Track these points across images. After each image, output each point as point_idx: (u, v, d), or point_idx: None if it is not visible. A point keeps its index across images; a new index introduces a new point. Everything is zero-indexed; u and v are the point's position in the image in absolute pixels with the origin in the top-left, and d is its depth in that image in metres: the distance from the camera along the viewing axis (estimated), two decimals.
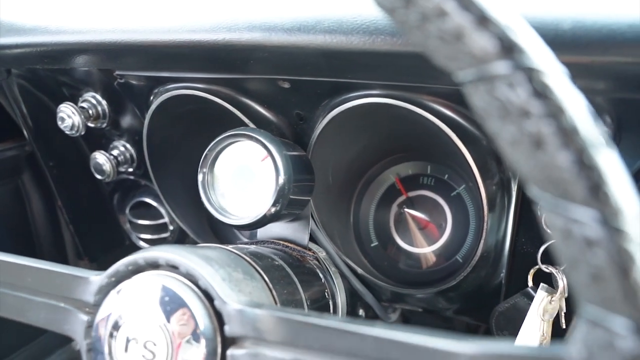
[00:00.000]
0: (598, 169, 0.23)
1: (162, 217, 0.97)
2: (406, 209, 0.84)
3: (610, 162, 0.24)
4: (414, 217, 0.85)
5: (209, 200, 0.63)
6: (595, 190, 0.23)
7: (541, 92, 0.24)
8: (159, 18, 0.66)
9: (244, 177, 0.63)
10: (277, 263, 0.60)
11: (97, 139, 0.89)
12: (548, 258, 0.70)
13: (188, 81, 0.73)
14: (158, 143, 0.79)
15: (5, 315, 0.50)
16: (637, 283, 0.23)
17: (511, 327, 0.73)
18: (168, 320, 0.47)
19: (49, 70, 0.80)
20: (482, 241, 0.69)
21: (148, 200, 0.97)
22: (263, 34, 0.59)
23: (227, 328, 0.45)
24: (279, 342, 0.43)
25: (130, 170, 0.90)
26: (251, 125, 0.70)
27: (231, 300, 0.46)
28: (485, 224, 0.68)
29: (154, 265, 0.50)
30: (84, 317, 0.50)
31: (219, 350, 0.46)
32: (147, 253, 0.50)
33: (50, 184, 0.92)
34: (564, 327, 0.73)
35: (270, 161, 0.60)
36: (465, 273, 0.73)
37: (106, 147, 0.89)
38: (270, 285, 0.54)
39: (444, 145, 0.67)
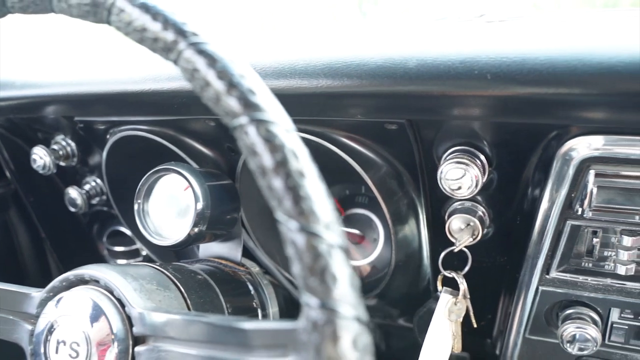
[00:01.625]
0: (300, 191, 0.34)
1: (135, 243, 1.09)
2: (350, 230, 0.94)
3: (311, 186, 0.34)
4: (349, 234, 0.94)
5: (143, 225, 0.75)
6: (297, 206, 0.34)
7: (267, 137, 0.35)
8: (109, 72, 0.79)
9: (172, 204, 0.74)
10: (200, 277, 0.71)
11: (70, 175, 1.02)
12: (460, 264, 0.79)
13: (137, 124, 0.86)
14: (115, 177, 0.92)
15: None
16: (324, 274, 0.33)
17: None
18: (90, 325, 0.58)
19: (22, 119, 0.94)
20: (393, 252, 0.79)
21: (122, 229, 1.09)
22: (179, 82, 0.71)
23: (134, 329, 0.56)
24: (172, 337, 0.53)
25: (102, 202, 1.03)
26: (188, 159, 0.82)
27: (138, 306, 0.57)
28: (392, 237, 0.77)
29: (82, 281, 0.61)
30: (28, 327, 0.62)
31: (130, 348, 0.56)
32: (77, 271, 0.62)
33: (33, 217, 1.05)
34: (475, 326, 0.82)
35: (190, 190, 0.71)
36: (386, 281, 0.82)
37: (79, 183, 1.02)
38: (186, 295, 0.65)
39: (355, 171, 0.77)
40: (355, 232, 0.94)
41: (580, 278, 0.75)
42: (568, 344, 0.77)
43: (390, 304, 0.90)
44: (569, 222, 0.69)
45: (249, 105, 0.35)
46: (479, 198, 0.76)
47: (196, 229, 0.71)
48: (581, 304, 0.78)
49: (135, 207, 0.76)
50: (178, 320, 0.52)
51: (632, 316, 0.77)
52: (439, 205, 0.79)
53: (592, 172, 0.62)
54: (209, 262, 0.80)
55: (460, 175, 0.68)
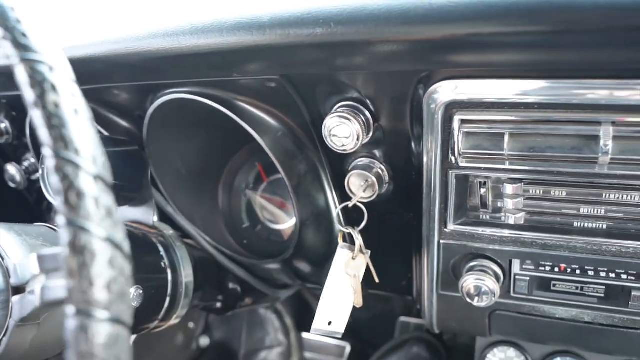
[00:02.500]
0: (53, 120, 0.37)
1: None
2: (261, 194, 0.97)
3: (65, 116, 0.37)
4: (271, 200, 0.97)
5: (47, 190, 0.79)
6: (50, 134, 0.36)
7: (31, 74, 0.38)
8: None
9: None
10: None
11: (9, 153, 1.06)
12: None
13: None
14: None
15: None
16: (68, 192, 0.36)
17: None
18: None
19: None
20: (295, 212, 0.81)
21: None
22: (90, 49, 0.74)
23: (11, 280, 0.60)
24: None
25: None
26: (100, 129, 0.85)
27: (15, 259, 0.61)
28: (292, 197, 0.80)
29: None
30: None
31: (9, 298, 0.60)
32: None
33: None
34: (377, 281, 0.84)
35: None
36: (295, 241, 0.85)
37: (19, 160, 1.07)
38: None
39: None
40: (277, 198, 0.97)
41: (479, 230, 0.77)
42: (468, 297, 0.79)
43: (308, 263, 0.92)
44: (452, 172, 0.71)
45: (19, 47, 0.38)
46: (377, 154, 0.78)
47: None
48: (484, 257, 0.80)
49: (40, 172, 0.80)
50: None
51: (532, 267, 0.79)
52: (340, 163, 0.81)
53: (457, 119, 0.64)
54: None
55: (340, 129, 0.70)
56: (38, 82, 0.37)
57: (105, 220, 0.36)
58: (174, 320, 0.86)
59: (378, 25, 0.56)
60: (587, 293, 0.79)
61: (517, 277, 0.80)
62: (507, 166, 0.66)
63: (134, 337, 0.85)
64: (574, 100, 0.59)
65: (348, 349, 1.43)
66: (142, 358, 1.43)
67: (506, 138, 0.63)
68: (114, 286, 0.36)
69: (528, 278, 0.80)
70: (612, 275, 0.75)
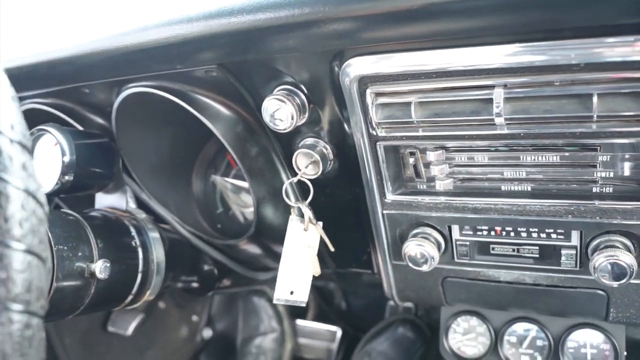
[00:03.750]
0: None
1: None
2: (229, 179, 1.07)
3: None
4: (240, 186, 1.07)
5: None
6: None
7: None
8: None
9: (50, 159, 0.89)
10: (71, 217, 0.85)
11: None
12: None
13: (36, 97, 1.01)
14: None
15: None
16: None
17: None
18: None
19: None
20: (252, 193, 0.91)
21: None
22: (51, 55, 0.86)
23: None
24: None
25: None
26: (74, 123, 0.97)
27: None
28: (246, 176, 0.89)
29: None
30: None
31: None
32: None
33: None
34: (333, 250, 0.93)
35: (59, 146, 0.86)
36: (256, 218, 0.94)
37: None
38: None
39: None
40: (238, 183, 1.06)
41: (418, 198, 0.85)
42: (411, 262, 0.87)
43: (273, 239, 1.01)
44: (380, 145, 0.79)
45: None
46: (320, 134, 0.87)
47: (65, 177, 0.86)
48: (426, 225, 0.88)
49: None
50: None
51: (471, 232, 0.86)
52: (288, 143, 0.90)
53: (369, 92, 0.72)
54: (96, 211, 0.95)
55: (279, 112, 0.79)
56: None
57: (19, 172, 0.46)
58: (148, 297, 0.96)
59: (281, 9, 0.66)
60: (523, 254, 0.85)
61: (457, 242, 0.88)
62: (420, 133, 0.74)
63: (117, 309, 0.95)
64: (468, 66, 0.66)
65: (339, 333, 1.51)
66: (148, 350, 1.55)
67: (412, 106, 0.71)
68: (26, 223, 0.46)
69: (468, 243, 0.87)
70: (543, 235, 0.82)
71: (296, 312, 1.56)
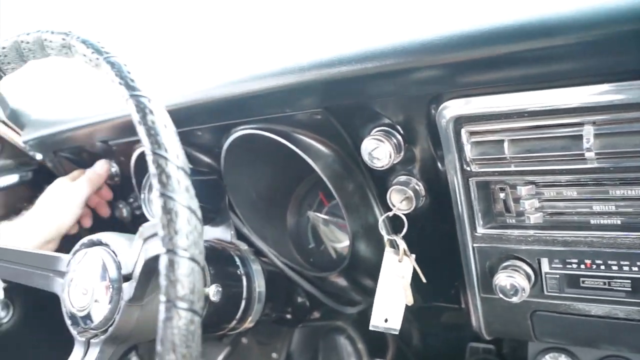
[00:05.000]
0: (152, 130, 0.59)
1: None
2: (326, 217, 1.17)
3: (158, 122, 0.59)
4: (333, 222, 1.17)
5: (147, 210, 1.03)
6: (150, 138, 0.59)
7: (136, 104, 0.61)
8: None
9: None
10: None
11: (118, 191, 1.34)
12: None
13: None
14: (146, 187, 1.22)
15: (18, 281, 0.92)
16: (162, 174, 0.57)
17: None
18: (96, 271, 0.85)
19: (77, 148, 1.29)
20: (348, 227, 1.00)
21: None
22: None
23: (122, 271, 0.83)
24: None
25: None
26: None
27: (125, 255, 0.84)
28: (345, 216, 0.99)
29: (93, 242, 0.90)
30: (60, 280, 0.91)
31: (120, 284, 0.83)
32: (92, 236, 0.90)
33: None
34: (425, 281, 0.99)
35: None
36: (350, 251, 1.03)
37: (126, 197, 1.34)
38: None
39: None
40: (337, 220, 1.16)
41: (507, 232, 0.91)
42: (502, 293, 0.92)
43: (365, 272, 1.09)
44: (472, 180, 0.87)
45: (129, 88, 0.62)
46: (413, 172, 0.96)
47: None
48: (516, 257, 0.94)
49: (142, 196, 1.04)
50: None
51: (560, 265, 0.91)
52: (382, 181, 0.99)
53: (464, 131, 0.81)
54: (205, 241, 1.06)
55: (376, 151, 0.89)
56: (141, 108, 0.60)
57: (184, 194, 0.57)
58: (248, 324, 1.05)
59: (386, 59, 0.76)
60: (614, 288, 0.89)
61: (547, 275, 0.93)
62: (513, 168, 0.81)
63: (219, 334, 1.05)
64: (558, 106, 0.74)
65: None
66: None
67: (506, 144, 0.78)
68: (190, 236, 0.56)
69: (557, 276, 0.92)
70: (635, 268, 0.86)
71: (374, 351, 1.61)
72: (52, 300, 0.92)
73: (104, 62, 0.65)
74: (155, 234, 0.65)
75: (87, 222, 1.36)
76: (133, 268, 0.80)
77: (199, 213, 0.59)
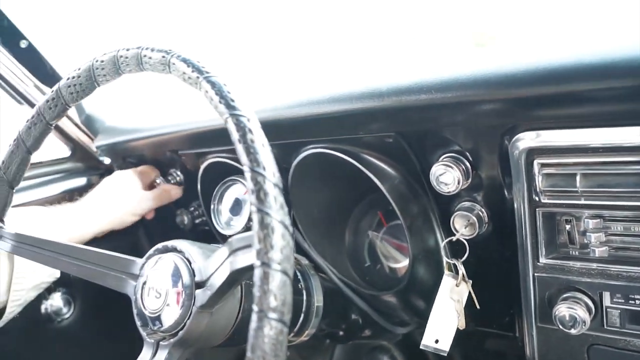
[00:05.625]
0: (251, 149, 0.63)
1: None
2: (385, 237, 1.20)
3: (257, 142, 0.63)
4: (390, 241, 1.19)
5: (216, 220, 1.08)
6: (249, 157, 0.63)
7: (236, 123, 0.65)
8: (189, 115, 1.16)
9: (237, 205, 1.06)
10: None
11: (181, 200, 1.39)
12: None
13: (220, 152, 1.21)
14: (208, 198, 1.27)
15: (93, 280, 0.97)
16: (260, 192, 0.61)
17: None
18: (169, 276, 0.90)
19: (145, 156, 1.35)
20: (409, 247, 1.03)
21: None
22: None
23: (196, 278, 0.87)
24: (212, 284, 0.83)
25: (203, 222, 1.38)
26: None
27: (199, 263, 0.88)
28: (407, 237, 1.01)
29: (167, 249, 0.94)
30: (133, 282, 0.95)
31: (193, 291, 0.87)
32: (164, 243, 0.95)
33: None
34: (478, 307, 1.01)
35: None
36: (408, 272, 1.05)
37: (187, 205, 1.39)
38: None
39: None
40: (396, 241, 1.18)
41: (569, 263, 0.93)
42: (561, 324, 0.93)
43: (420, 294, 1.11)
44: (539, 210, 0.89)
45: (230, 107, 0.66)
46: (477, 198, 0.98)
47: (250, 223, 1.02)
48: (576, 289, 0.95)
49: (212, 207, 1.09)
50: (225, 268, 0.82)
51: (622, 300, 0.92)
52: (446, 205, 1.02)
53: (536, 163, 0.83)
54: None
55: (445, 176, 0.92)
56: (241, 127, 0.64)
57: (280, 211, 0.61)
58: (304, 337, 1.08)
59: (467, 90, 0.79)
60: None
61: (608, 309, 0.93)
62: (582, 202, 0.83)
63: None
64: (631, 143, 0.76)
65: None
66: None
67: (578, 177, 0.80)
68: (284, 250, 0.60)
69: (619, 311, 0.93)
70: None
71: None
72: (115, 300, 0.97)
73: (204, 81, 0.70)
74: (246, 247, 0.69)
75: (150, 216, 1.41)
76: (209, 277, 0.83)
77: (291, 229, 0.62)
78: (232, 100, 0.67)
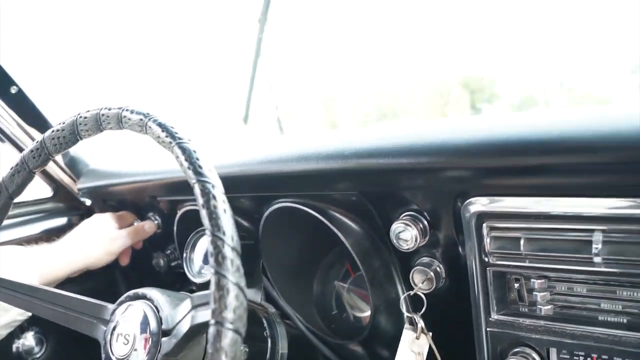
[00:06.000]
0: (214, 214, 0.68)
1: None
2: (351, 287, 1.25)
3: (218, 208, 0.69)
4: (356, 291, 1.24)
5: (188, 269, 1.12)
6: (212, 222, 0.68)
7: (202, 188, 0.71)
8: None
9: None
10: None
11: (156, 243, 1.44)
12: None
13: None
14: (183, 242, 1.32)
15: (65, 324, 1.01)
16: (219, 255, 0.66)
17: None
18: (137, 323, 0.94)
19: (125, 200, 1.40)
20: (371, 300, 1.08)
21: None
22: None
23: (163, 326, 0.92)
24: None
25: (178, 265, 1.43)
26: None
27: (167, 311, 0.93)
28: (368, 285, 1.07)
29: (138, 296, 0.99)
30: (104, 328, 0.99)
31: (159, 339, 0.91)
32: (137, 290, 0.99)
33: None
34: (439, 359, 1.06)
35: None
36: (370, 323, 1.10)
37: (163, 249, 1.44)
38: None
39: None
40: (361, 291, 1.23)
41: (519, 320, 0.98)
42: None
43: (382, 344, 1.15)
44: (489, 269, 0.94)
45: (197, 174, 0.72)
46: (435, 255, 1.04)
47: None
48: (525, 345, 1.00)
49: (185, 254, 1.14)
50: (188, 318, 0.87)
51: (568, 356, 0.97)
52: (406, 260, 1.07)
53: (485, 226, 0.89)
54: None
55: (404, 234, 0.98)
56: (206, 193, 0.70)
57: (235, 273, 0.67)
58: None
59: (421, 157, 0.86)
60: None
61: None
62: (527, 264, 0.89)
63: None
64: (571, 213, 0.82)
65: None
66: None
67: (522, 241, 0.87)
68: (237, 310, 0.65)
69: None
70: None
71: None
72: (87, 342, 1.00)
73: (176, 146, 0.76)
74: (205, 304, 0.74)
75: (125, 260, 1.44)
76: (175, 326, 0.88)
77: (246, 290, 0.68)
78: (200, 167, 0.73)
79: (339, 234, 1.05)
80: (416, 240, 0.97)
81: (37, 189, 1.56)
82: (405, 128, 0.95)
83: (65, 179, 1.51)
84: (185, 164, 0.74)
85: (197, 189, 0.71)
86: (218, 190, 0.71)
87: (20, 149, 1.41)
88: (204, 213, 0.69)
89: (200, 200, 0.70)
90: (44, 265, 1.24)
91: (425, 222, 0.99)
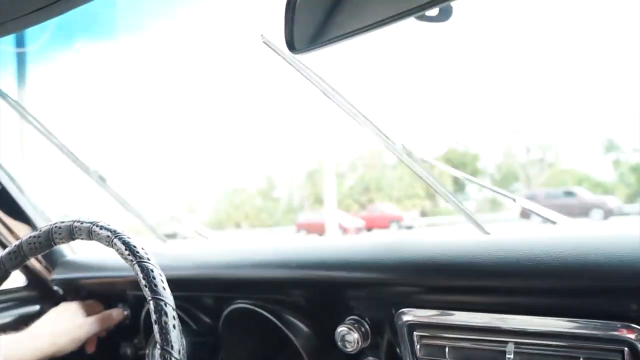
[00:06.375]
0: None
1: None
2: None
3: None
4: None
5: None
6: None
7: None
8: None
9: None
10: None
11: (126, 333, 1.52)
12: None
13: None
14: (150, 334, 1.40)
15: None
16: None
17: None
18: None
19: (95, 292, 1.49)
20: None
21: None
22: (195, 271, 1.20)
23: None
24: None
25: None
26: (190, 322, 1.29)
27: None
28: None
29: None
30: None
31: None
32: None
33: None
34: None
35: None
36: None
37: (131, 339, 1.52)
38: None
39: None
40: None
41: None
42: None
43: None
44: None
45: (153, 292, 0.83)
46: (379, 355, 1.14)
47: None
48: None
49: (147, 351, 1.22)
50: None
51: None
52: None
53: (415, 334, 1.00)
54: None
55: (347, 336, 1.08)
56: (159, 310, 0.81)
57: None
58: None
59: (356, 272, 0.97)
60: None
61: None
62: None
63: None
64: (489, 326, 0.93)
65: None
66: None
67: (447, 350, 0.97)
68: None
69: None
70: None
71: None
72: None
73: (136, 264, 0.87)
74: None
75: (91, 348, 1.50)
76: None
77: None
78: (155, 286, 0.84)
79: (290, 336, 1.15)
80: (358, 343, 1.07)
81: (11, 277, 1.64)
82: (347, 242, 1.07)
83: (40, 268, 1.60)
84: (143, 282, 0.85)
85: (151, 305, 0.82)
86: (169, 308, 0.82)
87: (4, 245, 1.51)
88: (156, 328, 0.80)
89: (154, 316, 0.81)
90: (10, 353, 1.30)
91: (367, 327, 1.09)
